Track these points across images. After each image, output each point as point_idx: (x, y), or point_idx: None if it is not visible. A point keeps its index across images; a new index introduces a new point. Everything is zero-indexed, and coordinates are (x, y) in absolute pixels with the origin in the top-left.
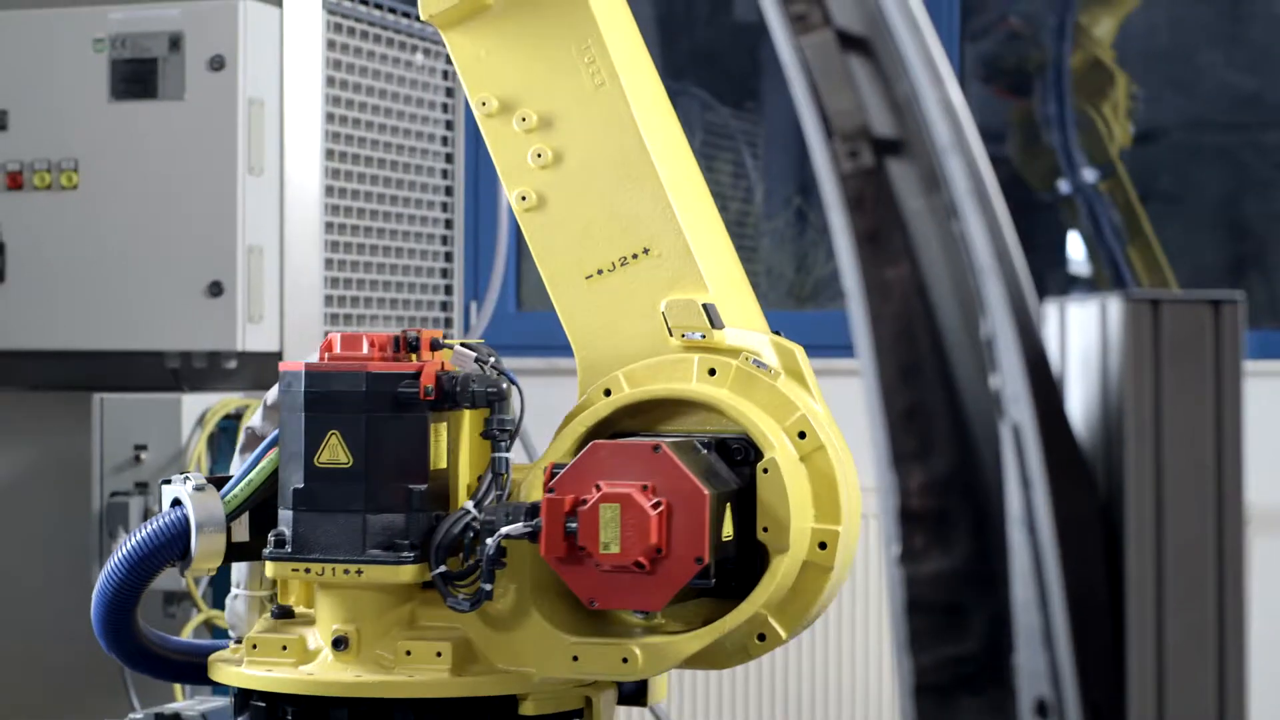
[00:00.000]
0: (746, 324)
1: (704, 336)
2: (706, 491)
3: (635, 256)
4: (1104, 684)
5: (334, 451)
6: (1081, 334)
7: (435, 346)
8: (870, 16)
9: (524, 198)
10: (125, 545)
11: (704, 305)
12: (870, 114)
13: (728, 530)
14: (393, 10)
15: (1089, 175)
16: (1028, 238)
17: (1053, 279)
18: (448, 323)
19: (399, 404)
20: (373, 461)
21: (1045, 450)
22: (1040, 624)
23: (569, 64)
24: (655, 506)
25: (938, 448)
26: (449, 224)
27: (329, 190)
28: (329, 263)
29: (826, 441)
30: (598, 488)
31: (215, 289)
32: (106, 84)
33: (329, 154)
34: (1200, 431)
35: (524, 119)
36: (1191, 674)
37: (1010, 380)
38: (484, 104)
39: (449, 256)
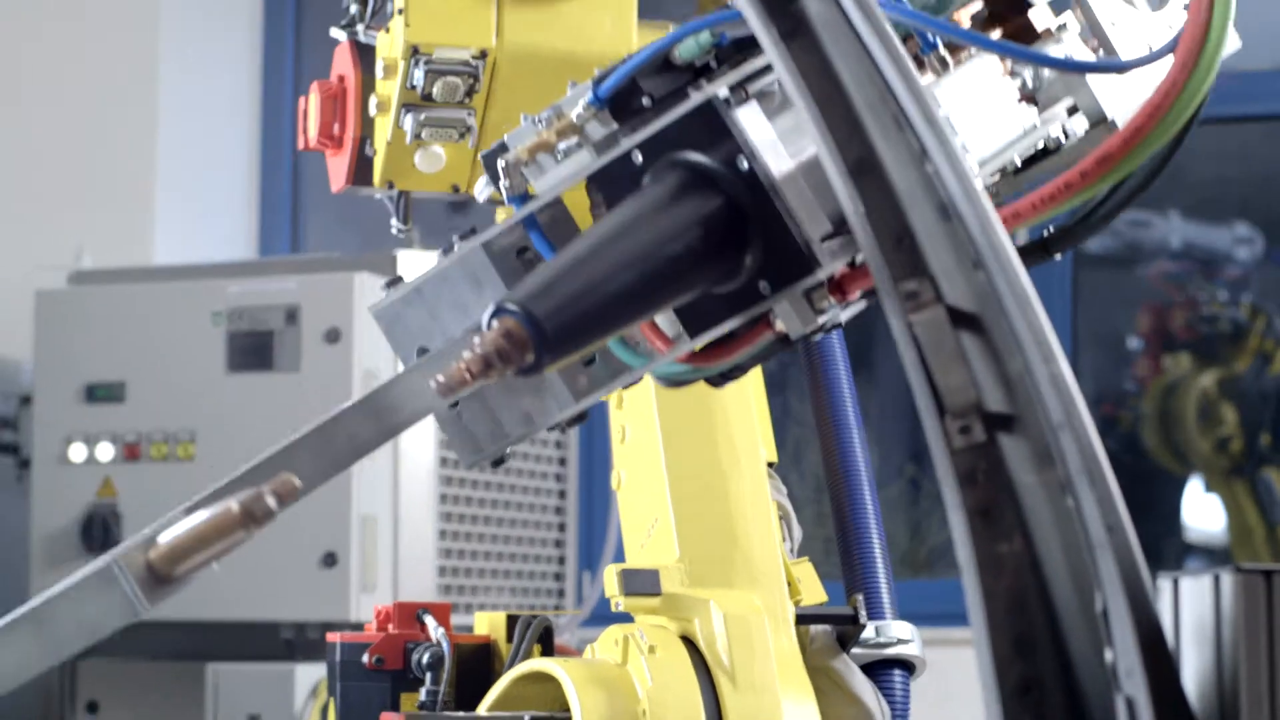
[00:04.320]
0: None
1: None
2: None
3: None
4: None
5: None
6: (1195, 607)
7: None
8: (981, 293)
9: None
10: None
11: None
12: (982, 390)
13: None
14: None
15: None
16: (1143, 505)
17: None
18: (560, 593)
19: (362, 674)
20: None
21: None
22: None
23: None
24: None
25: None
26: (562, 494)
27: (443, 461)
28: (442, 534)
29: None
30: None
31: (329, 559)
32: (224, 356)
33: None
34: None
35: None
36: None
37: (1124, 654)
38: None
39: (562, 527)
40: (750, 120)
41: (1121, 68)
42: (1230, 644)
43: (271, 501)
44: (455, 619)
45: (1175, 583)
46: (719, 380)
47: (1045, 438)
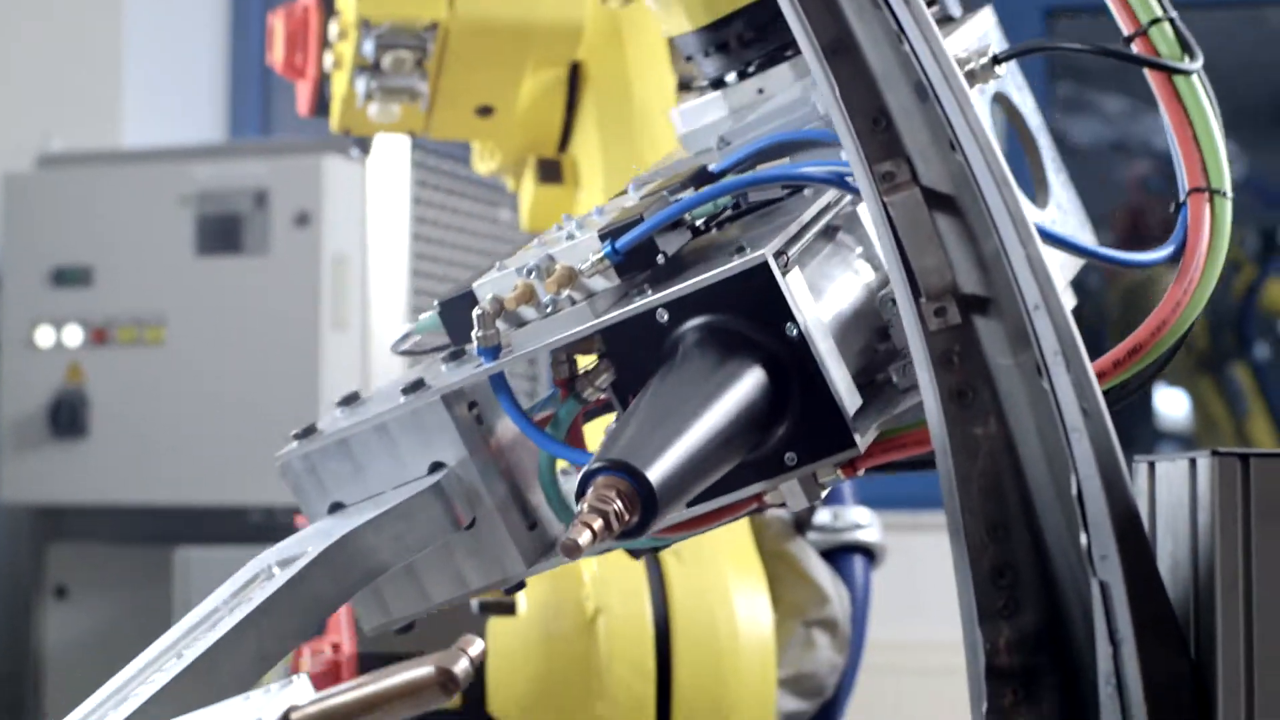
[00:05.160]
0: None
1: None
2: None
3: None
4: None
5: None
6: (1171, 491)
7: None
8: (958, 175)
9: None
10: None
11: None
12: (958, 272)
13: None
14: None
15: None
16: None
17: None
18: None
19: None
20: None
21: (1134, 608)
22: None
23: None
24: None
25: (1026, 605)
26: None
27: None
28: None
29: None
30: None
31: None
32: (192, 240)
33: (414, 308)
34: None
35: None
36: None
37: (1099, 538)
38: None
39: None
40: (798, 286)
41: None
42: (1206, 528)
43: (467, 663)
44: None
45: (1151, 467)
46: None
47: (1021, 320)
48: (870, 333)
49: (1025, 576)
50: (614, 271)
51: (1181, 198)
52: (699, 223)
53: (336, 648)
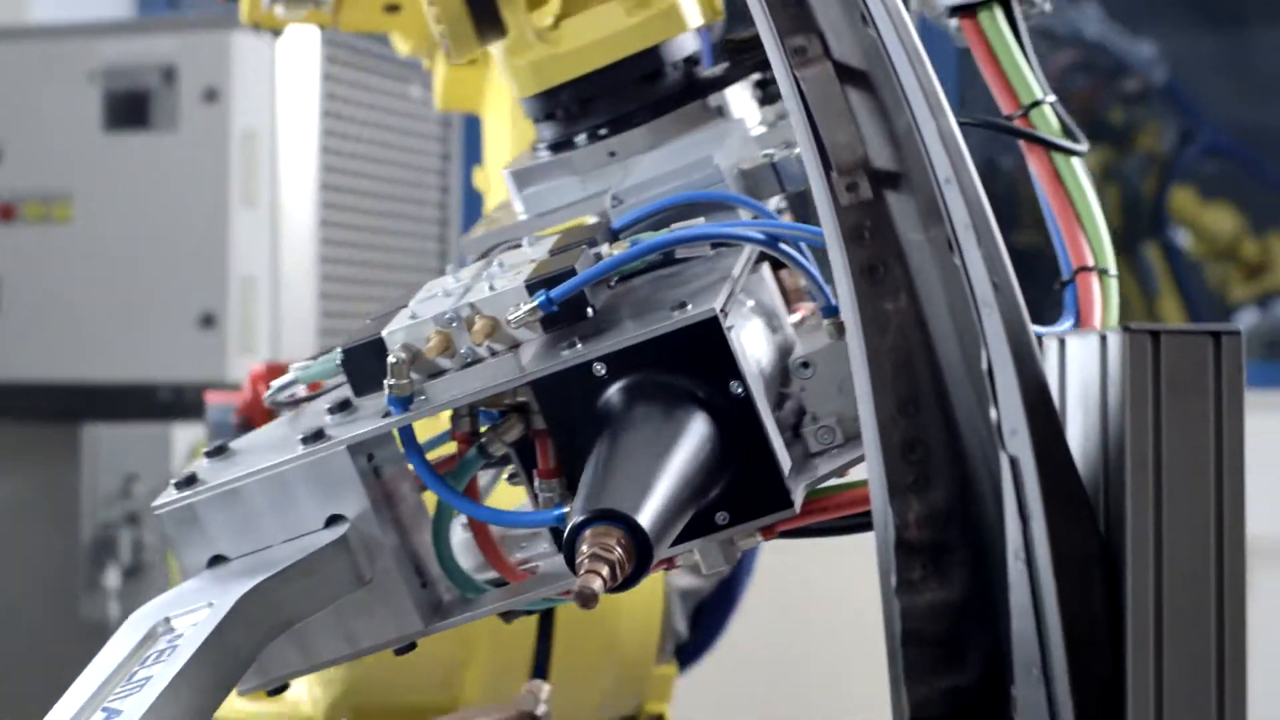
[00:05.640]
0: None
1: None
2: None
3: None
4: (1102, 717)
5: None
6: (1081, 366)
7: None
8: (870, 49)
9: None
10: None
11: None
12: (869, 147)
13: None
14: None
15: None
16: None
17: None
18: None
19: (231, 434)
20: None
21: (1044, 483)
22: (1038, 657)
23: None
24: None
25: (936, 480)
26: (444, 255)
27: (323, 222)
28: (323, 294)
29: None
30: None
31: (207, 320)
32: (100, 116)
33: (324, 185)
34: (1201, 463)
35: None
36: (1191, 708)
37: (1009, 413)
38: None
39: None
40: (739, 344)
41: None
42: (1116, 404)
43: (545, 709)
44: None
45: (1061, 343)
46: None
47: (933, 194)
48: (775, 394)
49: (935, 452)
50: (539, 324)
51: (1067, 276)
52: (614, 280)
53: None
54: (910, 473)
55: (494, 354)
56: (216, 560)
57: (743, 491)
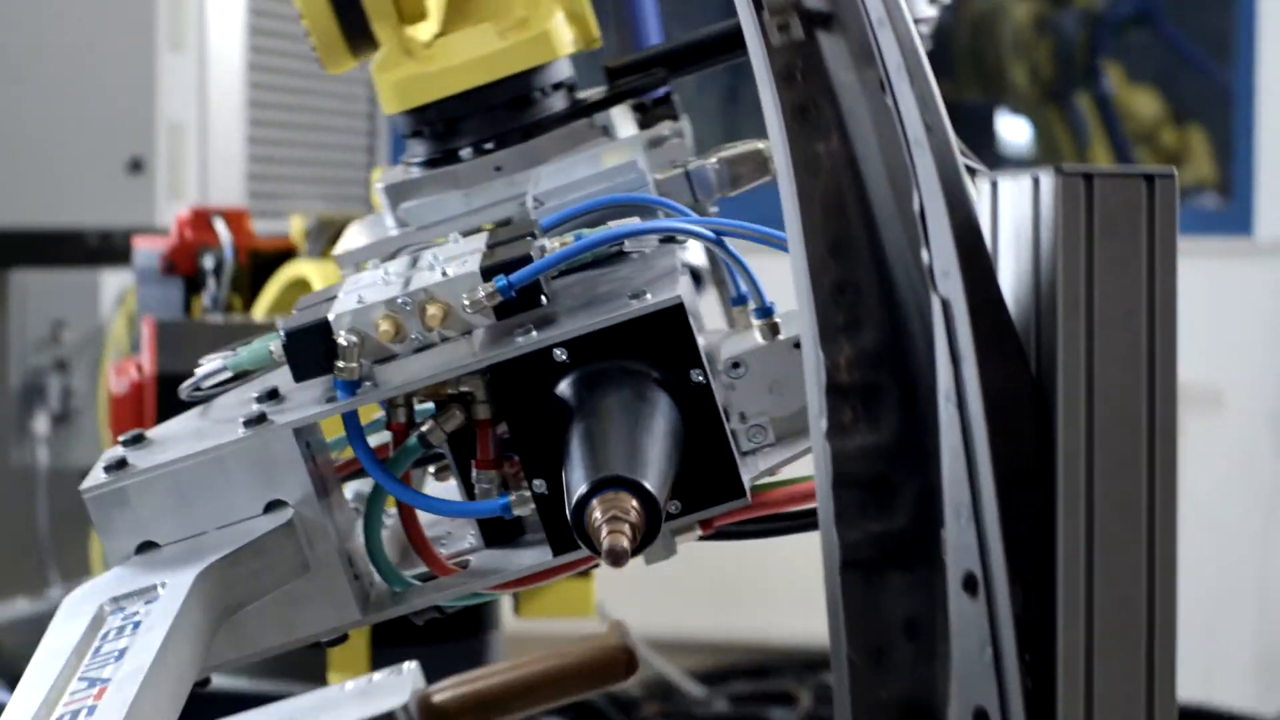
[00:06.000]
0: None
1: None
2: None
3: None
4: (1033, 559)
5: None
6: (1014, 208)
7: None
8: None
9: None
10: None
11: None
12: None
13: None
14: None
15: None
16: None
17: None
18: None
19: (157, 280)
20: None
21: (975, 324)
22: (969, 499)
23: None
24: None
25: (867, 322)
26: (373, 100)
27: (252, 66)
28: (251, 139)
29: None
30: None
31: (136, 165)
32: None
33: (252, 30)
34: (1133, 305)
35: None
36: (1121, 551)
37: (941, 254)
38: None
39: (373, 133)
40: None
41: None
42: (1048, 245)
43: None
44: (267, 224)
45: (994, 185)
46: None
47: (865, 35)
48: None
49: (867, 294)
50: (493, 311)
51: None
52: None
53: (140, 368)
54: (841, 315)
55: (445, 340)
56: (146, 547)
57: (697, 480)
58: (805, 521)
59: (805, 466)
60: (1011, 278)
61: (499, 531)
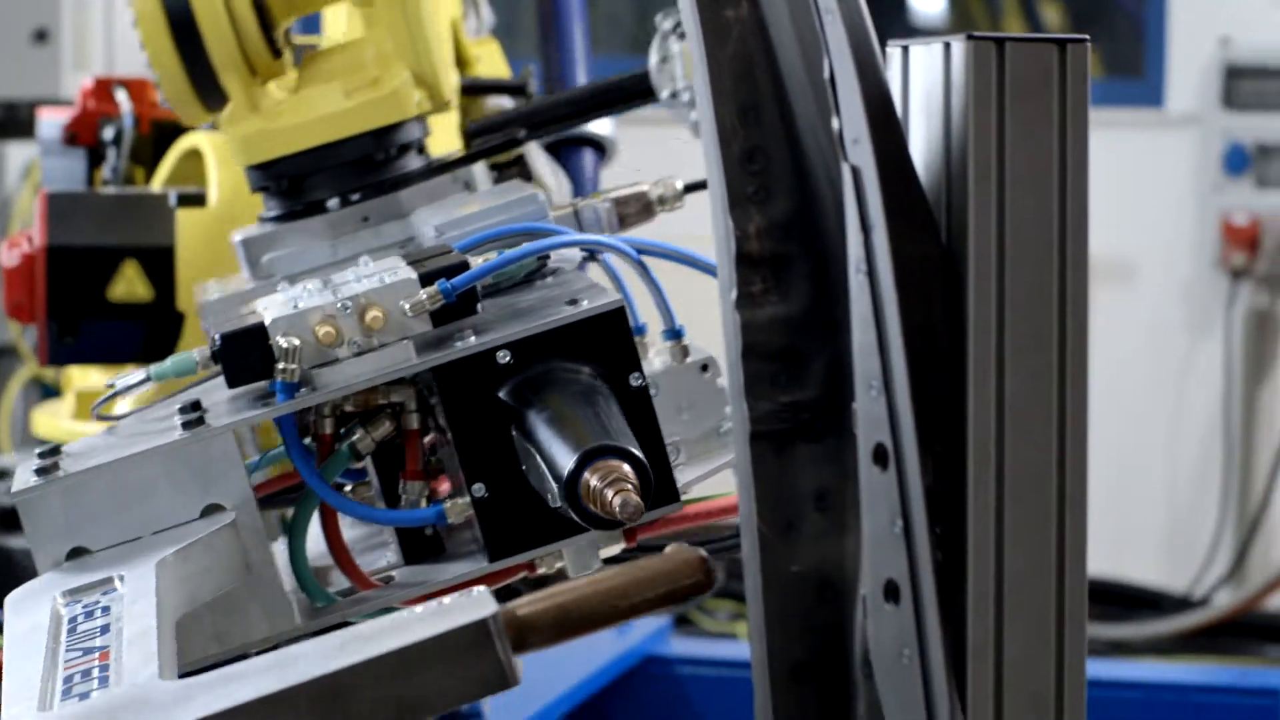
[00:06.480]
0: None
1: None
2: None
3: None
4: (942, 430)
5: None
6: (925, 75)
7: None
8: None
9: None
10: None
11: None
12: None
13: None
14: None
15: None
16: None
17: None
18: None
19: (61, 151)
20: None
21: (886, 192)
22: (879, 370)
23: None
24: None
25: (776, 191)
26: None
27: None
28: None
29: None
30: None
31: (40, 36)
32: None
33: None
34: (1044, 172)
35: None
36: (1031, 421)
37: (851, 122)
38: None
39: None
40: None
41: None
42: (959, 112)
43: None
44: None
45: (905, 51)
46: None
47: None
48: None
49: (776, 162)
50: (430, 317)
51: None
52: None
53: (30, 239)
54: (750, 183)
55: (382, 346)
56: (78, 553)
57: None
58: (728, 543)
59: (721, 484)
60: (922, 145)
61: (419, 548)
